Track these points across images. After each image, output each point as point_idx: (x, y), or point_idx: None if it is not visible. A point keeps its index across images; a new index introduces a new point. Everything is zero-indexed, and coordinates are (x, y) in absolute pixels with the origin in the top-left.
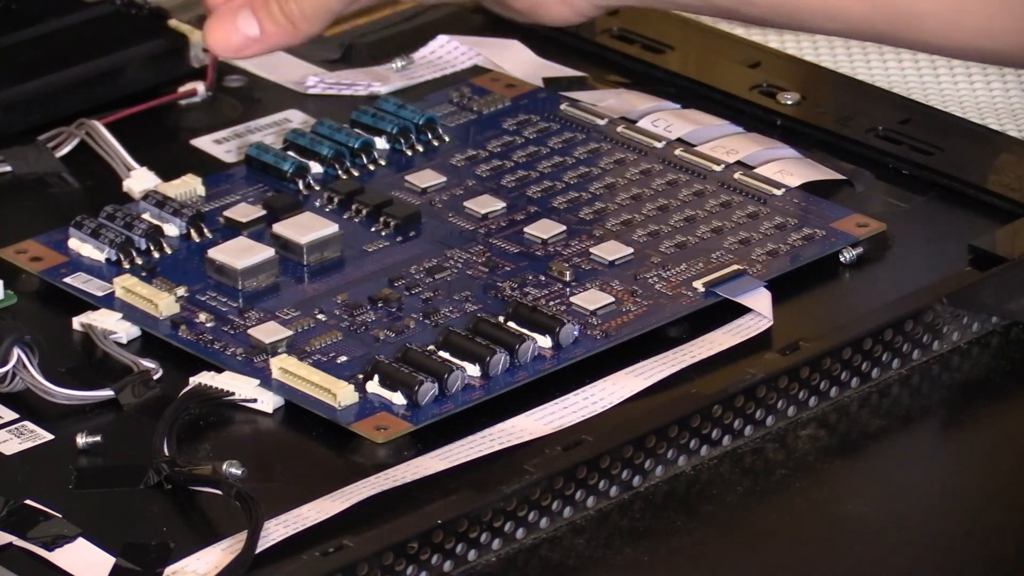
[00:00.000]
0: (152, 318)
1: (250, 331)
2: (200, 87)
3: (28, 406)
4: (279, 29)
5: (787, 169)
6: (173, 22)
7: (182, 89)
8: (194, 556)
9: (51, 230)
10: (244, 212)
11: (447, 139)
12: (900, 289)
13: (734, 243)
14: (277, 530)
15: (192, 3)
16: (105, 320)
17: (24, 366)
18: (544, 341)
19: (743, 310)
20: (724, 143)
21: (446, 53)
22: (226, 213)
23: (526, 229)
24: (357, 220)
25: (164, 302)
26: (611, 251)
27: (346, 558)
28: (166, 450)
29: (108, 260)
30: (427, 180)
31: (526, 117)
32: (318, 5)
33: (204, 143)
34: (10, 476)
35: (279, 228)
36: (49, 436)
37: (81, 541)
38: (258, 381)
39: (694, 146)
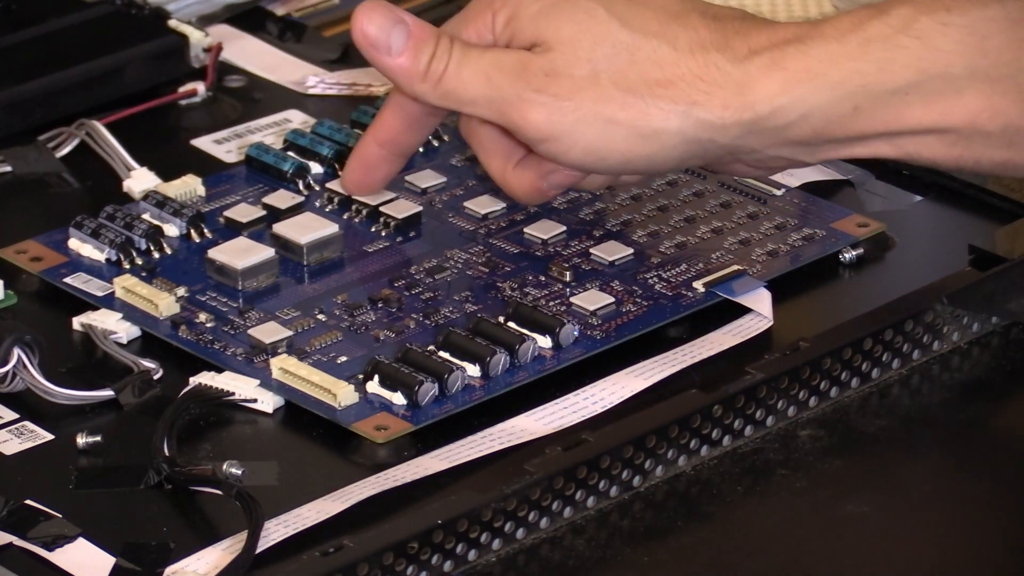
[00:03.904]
0: (152, 318)
1: (250, 331)
2: (200, 87)
3: (28, 406)
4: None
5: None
6: (173, 22)
7: (182, 89)
8: (194, 556)
9: (51, 230)
10: (244, 212)
11: (447, 139)
12: (900, 289)
13: (734, 243)
14: (277, 530)
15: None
16: (105, 320)
17: (24, 366)
18: (544, 341)
19: (743, 310)
20: None
21: None
22: (226, 213)
23: (526, 229)
24: (357, 220)
25: (164, 302)
26: (611, 251)
27: (346, 558)
28: (166, 450)
29: (108, 260)
30: (427, 180)
31: None
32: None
33: (204, 143)
34: (10, 476)
35: (279, 228)
36: (49, 436)
37: (81, 541)
38: (258, 381)
39: None
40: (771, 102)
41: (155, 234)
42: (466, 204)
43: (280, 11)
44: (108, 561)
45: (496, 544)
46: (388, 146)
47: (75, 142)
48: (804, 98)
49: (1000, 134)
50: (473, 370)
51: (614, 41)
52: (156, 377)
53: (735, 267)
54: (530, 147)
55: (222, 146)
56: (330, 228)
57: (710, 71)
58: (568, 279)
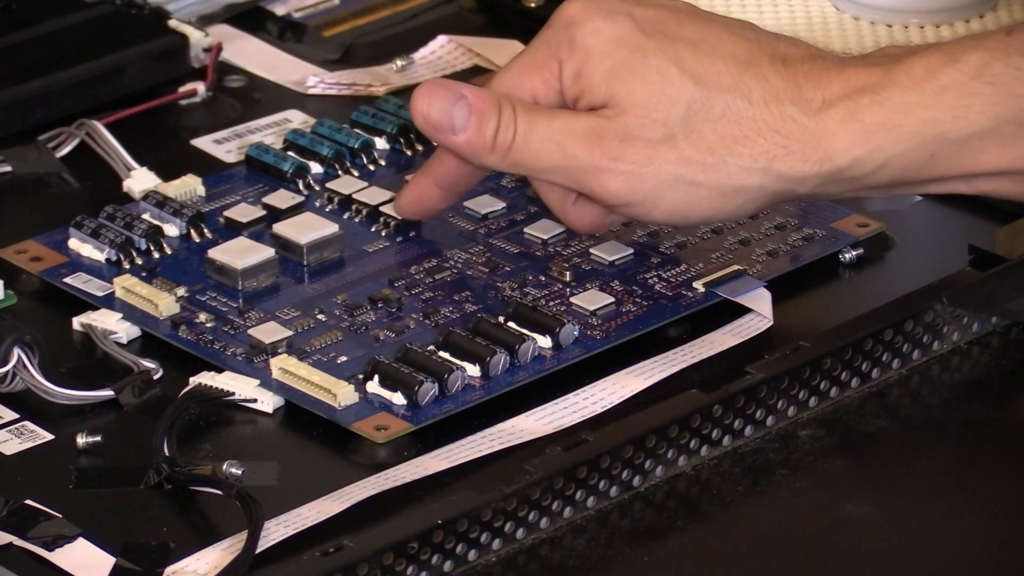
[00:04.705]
0: (152, 318)
1: (250, 331)
2: (200, 87)
3: (28, 406)
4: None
5: None
6: (173, 22)
7: (182, 89)
8: (194, 556)
9: (51, 230)
10: (244, 212)
11: None
12: (900, 289)
13: (734, 243)
14: (277, 530)
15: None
16: (105, 320)
17: (24, 366)
18: (544, 341)
19: (743, 310)
20: None
21: (446, 53)
22: (226, 213)
23: (526, 229)
24: (357, 220)
25: (164, 302)
26: (611, 251)
27: (346, 558)
28: (166, 450)
29: (108, 260)
30: None
31: None
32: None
33: (204, 143)
34: (10, 476)
35: (279, 228)
36: (49, 436)
37: (81, 541)
38: (258, 381)
39: None
40: (849, 154)
41: (155, 234)
42: (466, 204)
43: (280, 11)
44: (108, 561)
45: (496, 544)
46: (447, 188)
47: (75, 142)
48: (881, 149)
49: None
50: (473, 370)
51: (688, 100)
52: (156, 377)
53: (735, 267)
54: (610, 209)
55: (222, 146)
56: (330, 228)
57: (786, 124)
58: (568, 279)
